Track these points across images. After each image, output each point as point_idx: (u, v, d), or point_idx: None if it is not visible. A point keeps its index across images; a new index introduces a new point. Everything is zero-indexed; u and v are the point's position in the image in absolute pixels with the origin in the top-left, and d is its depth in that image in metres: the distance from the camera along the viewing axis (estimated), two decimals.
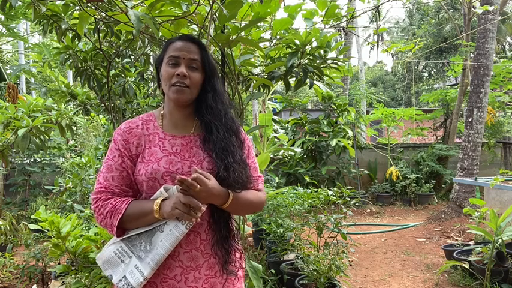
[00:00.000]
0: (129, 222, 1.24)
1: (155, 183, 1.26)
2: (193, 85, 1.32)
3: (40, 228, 3.00)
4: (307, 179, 6.28)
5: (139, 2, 1.96)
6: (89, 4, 1.96)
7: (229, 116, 1.37)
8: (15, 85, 4.47)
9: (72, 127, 3.42)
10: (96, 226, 3.11)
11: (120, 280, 1.23)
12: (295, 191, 4.36)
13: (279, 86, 8.10)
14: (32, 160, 7.18)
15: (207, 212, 1.28)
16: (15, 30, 5.61)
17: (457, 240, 5.47)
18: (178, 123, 1.38)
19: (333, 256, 3.34)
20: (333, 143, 8.05)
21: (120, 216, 1.22)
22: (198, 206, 1.16)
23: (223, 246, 1.29)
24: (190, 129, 1.38)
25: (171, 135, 1.35)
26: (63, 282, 2.98)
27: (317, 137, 8.56)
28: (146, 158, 1.30)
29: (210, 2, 1.85)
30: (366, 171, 8.95)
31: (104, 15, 2.08)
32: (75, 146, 7.25)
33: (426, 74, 23.64)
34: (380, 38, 26.94)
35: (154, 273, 1.22)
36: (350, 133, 8.55)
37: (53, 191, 5.07)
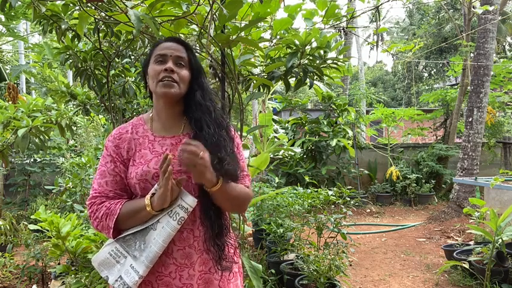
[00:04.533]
0: (124, 222, 1.26)
1: (146, 184, 1.28)
2: (182, 80, 1.33)
3: (40, 228, 3.00)
4: (307, 179, 6.28)
5: (139, 2, 1.96)
6: (89, 4, 1.96)
7: (218, 112, 1.39)
8: (15, 85, 4.47)
9: (72, 127, 3.42)
10: None
11: (116, 280, 1.24)
12: (295, 191, 4.36)
13: (279, 86, 8.10)
14: (32, 160, 7.17)
15: (199, 208, 1.29)
16: (15, 30, 5.61)
17: (457, 240, 5.47)
18: (167, 124, 1.39)
19: (333, 256, 3.34)
20: (333, 143, 8.05)
21: (115, 217, 1.24)
22: (170, 158, 1.17)
23: (216, 243, 1.29)
24: (179, 129, 1.39)
25: (160, 136, 1.36)
26: (63, 282, 2.98)
27: (317, 137, 8.56)
28: (137, 161, 1.32)
29: (210, 2, 1.84)
30: (366, 171, 8.95)
31: (104, 15, 2.08)
32: (75, 146, 7.24)
33: (426, 74, 23.63)
34: (380, 38, 26.93)
35: (149, 271, 1.23)
36: (350, 133, 8.55)
37: (53, 191, 5.06)
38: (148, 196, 1.23)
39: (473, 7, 8.59)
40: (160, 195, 1.19)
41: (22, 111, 3.16)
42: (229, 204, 1.33)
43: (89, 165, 4.54)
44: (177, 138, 1.36)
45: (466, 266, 3.62)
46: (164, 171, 1.17)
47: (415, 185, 8.38)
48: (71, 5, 2.11)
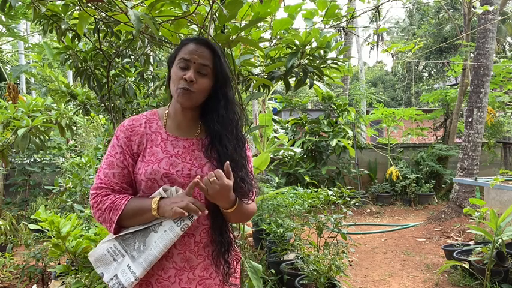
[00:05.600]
0: (126, 219, 1.24)
1: (154, 183, 1.25)
2: (200, 91, 1.29)
3: (40, 228, 3.00)
4: (307, 179, 6.28)
5: (139, 2, 1.96)
6: (89, 4, 1.96)
7: (239, 127, 1.35)
8: (15, 85, 4.48)
9: (72, 127, 3.42)
10: (96, 226, 3.11)
11: (111, 279, 1.22)
12: (295, 191, 4.36)
13: (279, 86, 8.10)
14: (32, 160, 7.17)
15: (204, 216, 1.28)
16: (15, 30, 5.61)
17: (457, 240, 5.47)
18: (182, 125, 1.36)
19: (333, 256, 3.34)
20: (333, 143, 8.05)
21: (119, 212, 1.21)
22: (202, 208, 1.18)
23: (225, 260, 1.30)
24: (195, 132, 1.36)
25: (173, 136, 1.33)
26: (63, 282, 2.98)
27: (317, 137, 8.57)
28: (147, 157, 1.28)
29: (210, 2, 1.84)
30: (366, 171, 8.95)
31: (104, 15, 2.08)
32: (75, 146, 7.24)
33: (426, 74, 23.64)
34: (380, 38, 26.93)
35: (149, 273, 1.22)
36: (350, 133, 8.55)
37: (53, 191, 5.06)
38: (156, 199, 1.20)
39: (473, 7, 8.59)
40: (170, 211, 1.18)
41: (22, 111, 3.16)
42: (236, 219, 1.34)
43: (88, 165, 4.54)
44: (190, 141, 1.34)
45: (466, 266, 3.62)
46: (188, 207, 1.16)
47: (415, 185, 8.38)
48: (71, 5, 2.10)
